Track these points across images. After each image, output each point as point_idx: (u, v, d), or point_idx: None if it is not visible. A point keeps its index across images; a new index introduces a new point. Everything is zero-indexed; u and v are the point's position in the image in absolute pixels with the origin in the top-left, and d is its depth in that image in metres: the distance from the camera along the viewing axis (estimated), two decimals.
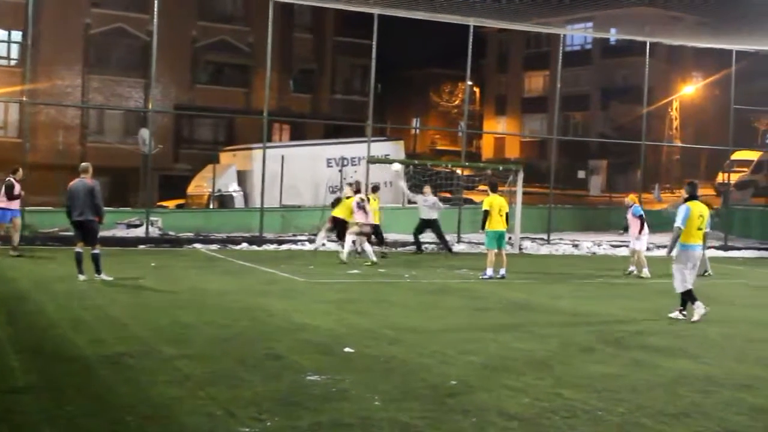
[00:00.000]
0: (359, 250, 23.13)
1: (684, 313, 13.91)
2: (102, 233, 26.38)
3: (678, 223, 13.63)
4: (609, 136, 57.53)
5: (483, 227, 19.40)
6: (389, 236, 27.75)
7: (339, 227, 24.57)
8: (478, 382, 8.62)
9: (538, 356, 10.13)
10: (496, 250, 19.41)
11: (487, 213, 19.24)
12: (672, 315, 13.96)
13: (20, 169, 21.76)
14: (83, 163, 16.62)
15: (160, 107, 44.12)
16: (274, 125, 49.77)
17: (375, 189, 25.60)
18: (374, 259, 21.96)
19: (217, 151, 41.94)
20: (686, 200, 13.96)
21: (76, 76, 46.54)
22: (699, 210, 13.82)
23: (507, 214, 19.48)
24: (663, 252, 15.13)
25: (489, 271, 19.35)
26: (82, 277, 16.02)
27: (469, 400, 7.82)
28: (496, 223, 19.21)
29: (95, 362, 8.99)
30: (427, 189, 26.95)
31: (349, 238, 22.33)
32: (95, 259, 16.04)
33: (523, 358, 10.00)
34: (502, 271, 19.42)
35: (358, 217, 22.28)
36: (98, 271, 16.12)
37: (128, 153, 40.08)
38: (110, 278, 16.07)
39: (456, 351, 10.24)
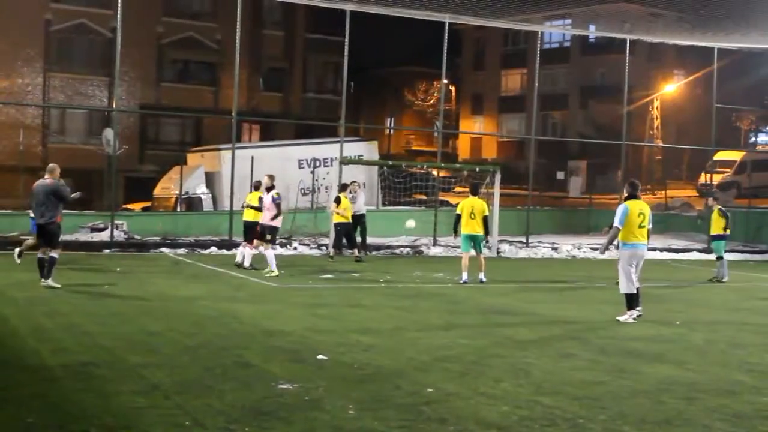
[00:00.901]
0: (241, 263, 21.24)
1: (638, 314, 14.24)
2: (65, 237, 26.38)
3: (616, 222, 14.04)
4: (589, 136, 57.90)
5: (455, 231, 19.53)
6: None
7: (345, 232, 24.56)
8: (456, 389, 8.63)
9: (517, 363, 10.15)
10: (470, 254, 19.42)
11: (458, 217, 19.38)
12: (620, 318, 14.23)
13: None
14: (50, 164, 16.52)
15: (124, 106, 43.96)
16: (243, 125, 49.70)
17: (344, 188, 25.61)
18: (275, 270, 19.57)
19: (184, 151, 41.82)
20: (626, 199, 14.30)
21: (36, 74, 46.23)
22: (638, 208, 14.15)
23: (486, 217, 19.45)
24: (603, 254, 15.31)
25: (464, 276, 19.40)
26: (43, 283, 15.93)
27: (446, 408, 7.83)
28: (467, 226, 19.24)
29: (58, 372, 8.92)
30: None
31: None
32: (49, 262, 15.92)
33: (501, 364, 10.02)
34: (481, 276, 19.46)
35: (266, 216, 20.09)
36: (47, 275, 15.97)
37: (92, 154, 39.91)
38: (57, 286, 15.86)
39: (432, 357, 10.25)
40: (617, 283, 14.46)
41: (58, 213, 15.92)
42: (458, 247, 21.34)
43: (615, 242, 14.41)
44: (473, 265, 19.57)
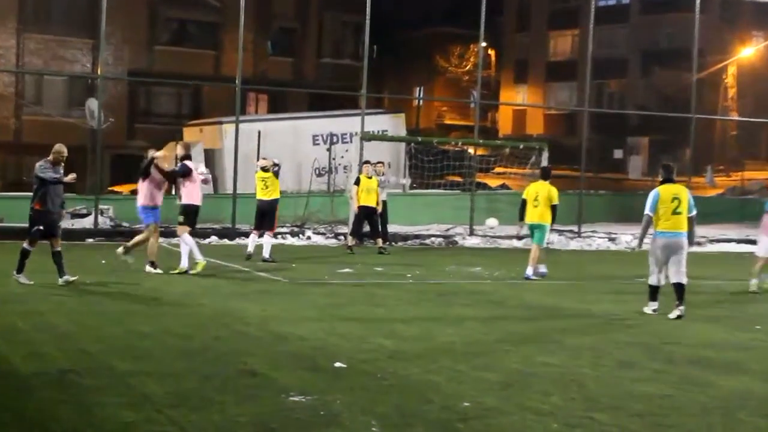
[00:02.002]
0: (252, 254, 21.61)
1: (681, 308, 14.68)
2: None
3: (646, 209, 14.67)
4: (651, 108, 57.59)
5: (520, 218, 19.93)
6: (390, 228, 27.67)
7: (368, 217, 24.57)
8: (496, 403, 8.57)
9: (568, 372, 10.09)
10: (535, 245, 19.80)
11: (523, 203, 19.86)
12: (671, 315, 14.63)
13: None
14: None
15: (111, 73, 44.08)
16: (248, 95, 49.80)
17: (367, 162, 25.54)
18: (185, 266, 18.46)
19: (180, 125, 41.89)
20: (660, 184, 14.87)
21: (9, 36, 46.42)
22: (671, 193, 14.63)
23: (554, 206, 19.69)
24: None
25: (542, 268, 19.89)
26: (20, 279, 16.02)
27: (485, 426, 7.77)
28: (529, 214, 19.65)
29: (33, 381, 8.93)
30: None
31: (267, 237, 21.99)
32: (53, 258, 16.14)
33: (550, 374, 9.96)
34: (528, 271, 19.65)
35: (184, 194, 19.02)
36: (59, 272, 16.15)
37: (73, 128, 39.98)
38: (74, 278, 16.11)
39: (469, 366, 10.20)
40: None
41: (37, 198, 15.99)
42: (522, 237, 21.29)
43: (651, 232, 14.78)
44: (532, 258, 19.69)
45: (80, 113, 40.53)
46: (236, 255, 22.34)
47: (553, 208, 19.63)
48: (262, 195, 22.31)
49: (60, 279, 16.03)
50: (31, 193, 16.15)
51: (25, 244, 16.16)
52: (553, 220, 19.96)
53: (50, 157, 16.04)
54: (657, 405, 8.77)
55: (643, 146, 61.87)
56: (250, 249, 21.89)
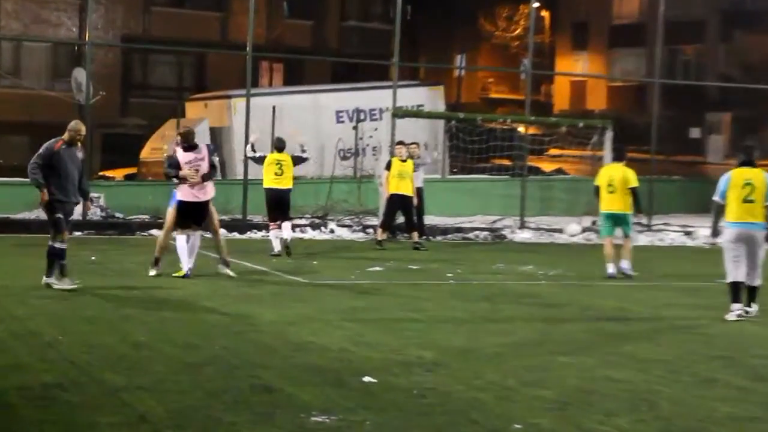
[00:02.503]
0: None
1: (748, 310, 14.91)
2: (23, 215, 26.78)
3: (715, 196, 14.95)
4: (734, 79, 57.19)
5: (599, 208, 20.50)
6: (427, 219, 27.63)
7: (402, 207, 24.59)
8: (552, 424, 8.57)
9: (638, 389, 10.05)
10: (610, 238, 20.17)
11: (596, 190, 20.21)
12: (727, 316, 14.81)
13: None
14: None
15: (101, 39, 44.23)
16: (261, 64, 49.77)
17: (400, 144, 25.45)
18: (152, 271, 18.05)
19: (182, 100, 41.99)
20: (738, 167, 15.06)
21: None
22: (744, 178, 14.73)
23: (634, 189, 19.90)
24: None
25: (610, 268, 19.98)
26: (60, 284, 15.80)
27: None
28: (605, 202, 19.98)
29: (13, 397, 8.97)
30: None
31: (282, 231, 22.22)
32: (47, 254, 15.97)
33: (615, 391, 9.93)
34: (624, 266, 20.14)
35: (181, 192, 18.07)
36: (55, 272, 15.95)
37: (57, 103, 40.12)
38: (68, 286, 15.68)
39: (519, 381, 10.19)
40: None
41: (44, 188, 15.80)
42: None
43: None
44: (616, 253, 20.09)
45: (65, 86, 40.72)
46: (247, 251, 22.40)
47: (633, 192, 19.86)
48: (274, 183, 22.26)
49: (46, 279, 15.94)
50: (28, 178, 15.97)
51: (51, 242, 15.88)
52: (638, 207, 20.32)
53: (65, 136, 15.85)
54: (743, 429, 8.73)
55: (725, 124, 61.40)
56: (278, 248, 22.00)
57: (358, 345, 11.94)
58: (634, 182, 19.80)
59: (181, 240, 18.03)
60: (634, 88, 68.91)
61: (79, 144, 16.01)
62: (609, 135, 29.21)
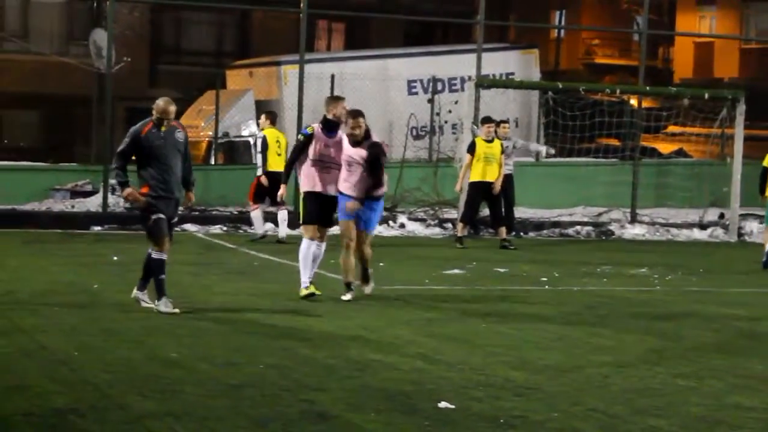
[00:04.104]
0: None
1: None
2: (31, 205, 27.00)
3: None
4: None
5: (762, 192, 21.43)
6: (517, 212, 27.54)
7: (488, 197, 24.65)
8: None
9: None
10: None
11: (764, 172, 21.30)
12: None
13: None
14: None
15: None
16: (318, 24, 49.89)
17: (487, 122, 25.32)
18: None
19: (221, 67, 42.14)
20: None
21: None
22: None
23: None
24: None
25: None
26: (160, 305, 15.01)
27: None
28: None
29: (19, 424, 9.04)
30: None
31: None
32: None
33: (748, 421, 9.86)
34: None
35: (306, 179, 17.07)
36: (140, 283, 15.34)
37: (72, 71, 40.48)
38: (168, 310, 14.81)
39: (630, 409, 10.14)
40: None
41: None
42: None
43: None
44: None
45: (83, 51, 41.00)
46: (298, 250, 22.46)
47: None
48: (278, 166, 23.13)
49: (138, 293, 15.27)
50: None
51: (154, 252, 15.12)
52: None
53: (154, 116, 15.43)
54: None
55: None
56: (262, 230, 23.56)
57: (433, 363, 11.93)
58: None
59: (304, 245, 16.89)
60: None
61: (170, 124, 15.45)
62: (741, 109, 28.92)
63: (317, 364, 11.73)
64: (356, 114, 16.31)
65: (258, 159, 24.63)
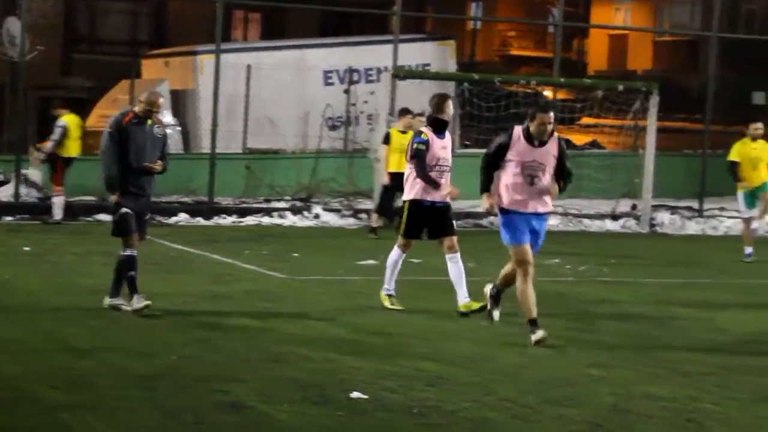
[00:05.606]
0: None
1: None
2: None
3: None
4: None
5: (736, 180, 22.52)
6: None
7: (402, 188, 24.67)
8: None
9: (682, 408, 10.10)
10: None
11: (732, 164, 22.44)
12: None
13: None
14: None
15: None
16: (234, 14, 49.70)
17: (404, 113, 25.31)
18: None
19: (137, 56, 41.91)
20: None
21: None
22: None
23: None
24: None
25: (748, 249, 22.53)
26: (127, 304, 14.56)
27: None
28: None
29: None
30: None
31: None
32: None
33: (656, 411, 9.98)
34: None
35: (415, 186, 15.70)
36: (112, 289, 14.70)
37: None
38: (141, 304, 14.29)
39: (541, 398, 10.26)
40: None
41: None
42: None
43: None
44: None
45: None
46: (216, 239, 22.45)
47: None
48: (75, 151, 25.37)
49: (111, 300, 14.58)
50: None
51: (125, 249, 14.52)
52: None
53: (137, 107, 15.09)
54: None
55: None
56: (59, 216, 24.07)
57: (346, 354, 11.96)
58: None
59: (395, 254, 15.93)
60: (685, 45, 68.81)
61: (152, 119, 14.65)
62: (654, 101, 29.11)
63: (231, 356, 11.75)
64: (546, 108, 15.07)
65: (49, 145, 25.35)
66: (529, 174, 13.45)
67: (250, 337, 12.83)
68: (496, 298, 14.50)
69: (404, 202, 15.69)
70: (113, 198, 14.27)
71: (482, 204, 13.86)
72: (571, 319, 15.11)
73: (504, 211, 13.52)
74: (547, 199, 13.59)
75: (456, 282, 15.32)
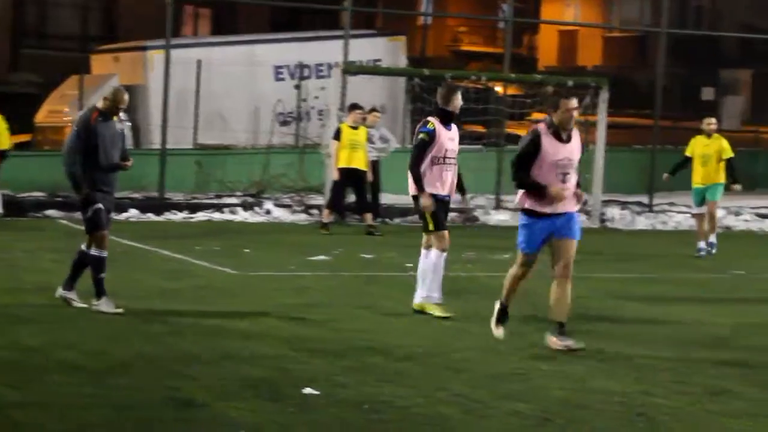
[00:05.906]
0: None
1: None
2: None
3: None
4: (758, 28, 57.44)
5: (673, 174, 23.76)
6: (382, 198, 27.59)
7: (353, 184, 24.64)
8: None
9: (633, 403, 10.13)
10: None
11: (685, 159, 23.35)
12: None
13: None
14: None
15: None
16: (184, 9, 49.56)
17: (353, 108, 25.36)
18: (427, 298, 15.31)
19: (86, 52, 41.71)
20: None
21: None
22: None
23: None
24: None
25: (700, 244, 22.84)
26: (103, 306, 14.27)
27: None
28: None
29: None
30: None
31: None
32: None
33: (607, 405, 10.01)
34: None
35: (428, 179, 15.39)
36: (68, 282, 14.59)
37: None
38: (112, 310, 14.06)
39: (492, 393, 10.28)
40: None
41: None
42: None
43: None
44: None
45: None
46: (164, 236, 22.38)
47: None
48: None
49: (64, 292, 14.48)
50: None
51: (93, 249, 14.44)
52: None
53: (100, 104, 14.85)
54: None
55: (744, 83, 61.68)
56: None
57: (297, 350, 11.95)
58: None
59: (434, 256, 15.31)
60: (635, 40, 69.05)
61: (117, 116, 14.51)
62: (604, 96, 29.20)
63: (182, 352, 11.71)
64: (569, 94, 13.97)
65: None
66: (561, 173, 12.81)
67: (201, 333, 12.78)
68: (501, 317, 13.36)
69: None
70: (82, 196, 14.16)
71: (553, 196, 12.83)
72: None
73: (529, 213, 13.33)
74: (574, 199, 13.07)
75: (437, 278, 14.92)
